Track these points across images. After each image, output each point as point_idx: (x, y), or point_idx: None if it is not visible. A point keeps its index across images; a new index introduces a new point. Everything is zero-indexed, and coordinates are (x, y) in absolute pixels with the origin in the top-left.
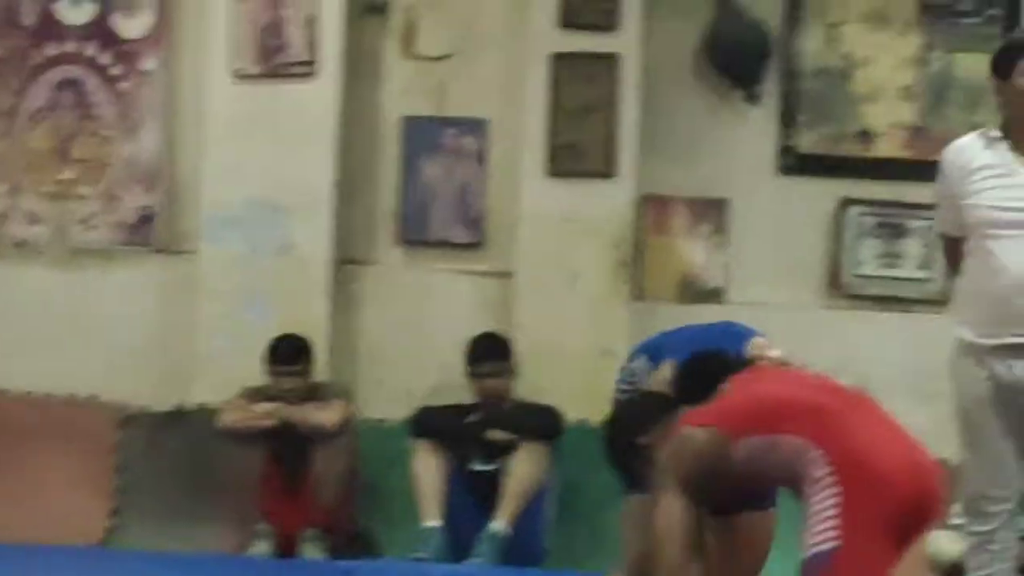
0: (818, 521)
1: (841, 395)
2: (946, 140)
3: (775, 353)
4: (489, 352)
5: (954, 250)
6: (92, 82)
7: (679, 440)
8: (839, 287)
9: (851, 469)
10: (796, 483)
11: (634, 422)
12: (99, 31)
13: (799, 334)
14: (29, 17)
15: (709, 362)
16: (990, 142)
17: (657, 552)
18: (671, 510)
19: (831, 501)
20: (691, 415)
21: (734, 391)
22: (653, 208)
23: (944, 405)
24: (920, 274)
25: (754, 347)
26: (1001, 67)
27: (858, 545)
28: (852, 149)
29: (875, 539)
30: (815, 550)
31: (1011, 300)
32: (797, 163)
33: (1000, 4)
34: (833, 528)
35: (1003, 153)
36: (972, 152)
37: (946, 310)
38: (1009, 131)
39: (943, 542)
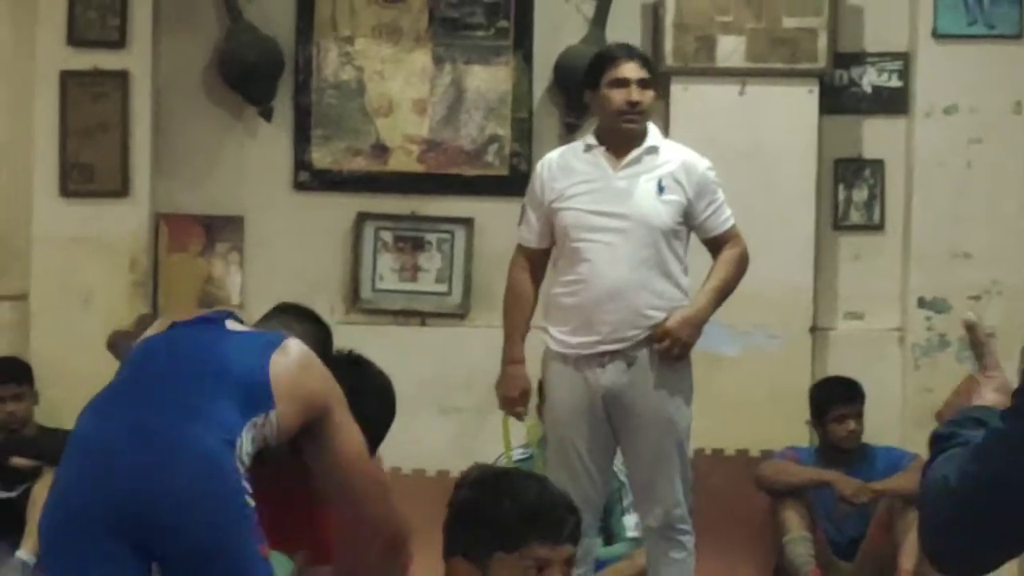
0: None
1: None
2: (458, 152)
3: None
4: (8, 376)
5: (523, 263)
6: None
7: None
8: (358, 302)
9: None
10: None
11: None
12: None
13: None
14: None
15: None
16: (586, 149)
17: None
18: None
19: None
20: None
21: None
22: (168, 227)
23: (466, 416)
24: (438, 288)
25: None
26: (590, 78)
27: None
28: (367, 164)
29: None
30: None
31: (600, 306)
32: (312, 178)
33: (508, 17)
34: None
35: (597, 159)
36: (566, 159)
37: (464, 323)
38: (602, 138)
39: None
